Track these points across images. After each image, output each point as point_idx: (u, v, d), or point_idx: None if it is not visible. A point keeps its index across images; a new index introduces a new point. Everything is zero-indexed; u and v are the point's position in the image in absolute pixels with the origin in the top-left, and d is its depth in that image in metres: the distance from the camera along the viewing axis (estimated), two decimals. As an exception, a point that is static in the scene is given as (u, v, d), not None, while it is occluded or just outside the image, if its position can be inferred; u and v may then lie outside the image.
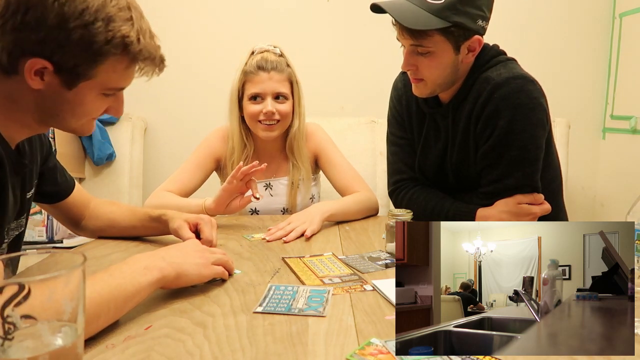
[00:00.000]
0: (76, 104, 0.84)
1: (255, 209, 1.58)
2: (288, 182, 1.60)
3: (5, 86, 0.82)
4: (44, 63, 0.77)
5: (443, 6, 1.11)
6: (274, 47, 1.53)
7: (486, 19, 1.18)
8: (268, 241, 1.22)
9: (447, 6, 1.11)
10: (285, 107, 1.51)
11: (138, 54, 0.83)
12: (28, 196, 1.00)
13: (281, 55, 1.53)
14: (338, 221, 1.42)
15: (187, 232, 1.08)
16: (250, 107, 1.49)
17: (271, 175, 1.61)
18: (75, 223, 1.21)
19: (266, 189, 1.59)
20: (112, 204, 1.25)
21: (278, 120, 1.50)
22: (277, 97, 1.50)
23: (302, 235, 1.26)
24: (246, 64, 1.50)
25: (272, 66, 1.48)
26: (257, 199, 1.32)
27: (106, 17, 0.78)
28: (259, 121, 1.50)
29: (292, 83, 1.53)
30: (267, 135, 1.52)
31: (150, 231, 1.20)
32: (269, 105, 1.48)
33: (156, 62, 0.87)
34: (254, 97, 1.49)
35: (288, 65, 1.53)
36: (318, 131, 1.64)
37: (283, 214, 1.60)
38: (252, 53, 1.53)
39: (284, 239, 1.23)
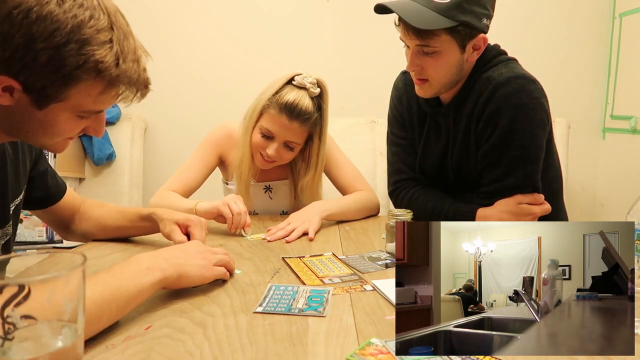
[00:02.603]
0: (47, 124, 0.78)
1: (254, 211, 1.58)
2: (289, 185, 1.57)
3: None
4: (10, 82, 0.72)
5: (449, 5, 1.11)
6: (317, 84, 1.39)
7: (490, 17, 1.18)
8: (269, 241, 1.22)
9: (453, 5, 1.11)
10: (290, 155, 1.44)
11: (115, 79, 0.76)
12: (12, 206, 0.97)
13: (319, 95, 1.40)
14: (338, 221, 1.42)
15: (179, 236, 1.07)
16: (257, 139, 1.41)
17: (271, 178, 1.58)
18: (65, 227, 1.19)
19: (265, 191, 1.58)
20: (100, 205, 1.22)
21: (275, 160, 1.45)
22: (287, 143, 1.41)
23: (304, 235, 1.25)
24: (278, 92, 1.37)
25: (299, 114, 1.35)
26: (243, 233, 1.28)
27: (80, 40, 0.71)
28: (260, 152, 1.44)
29: (312, 134, 1.44)
30: (261, 166, 1.47)
31: (141, 231, 1.19)
32: (274, 150, 1.39)
33: (138, 86, 0.80)
34: (265, 133, 1.40)
35: (320, 109, 1.41)
36: None
37: (282, 214, 1.59)
38: (290, 81, 1.39)
39: (286, 239, 1.23)
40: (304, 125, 1.38)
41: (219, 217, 1.27)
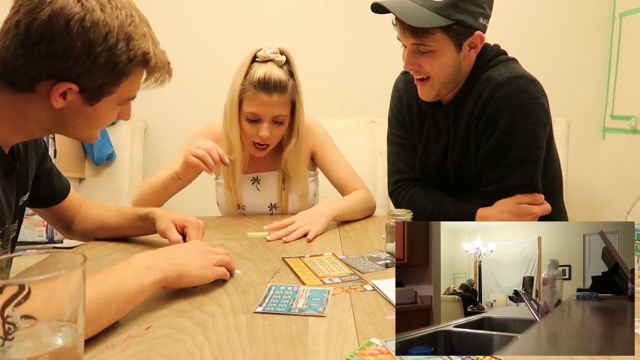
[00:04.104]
0: (95, 117, 0.87)
1: (242, 205, 1.55)
2: (278, 176, 1.55)
3: (15, 99, 0.82)
4: (70, 86, 0.79)
5: (445, 4, 1.11)
6: (280, 53, 1.40)
7: (487, 17, 1.18)
8: (269, 241, 1.22)
9: (448, 4, 1.11)
10: (282, 130, 1.44)
11: (155, 65, 0.87)
12: (22, 201, 0.99)
13: (286, 62, 1.40)
14: (341, 221, 1.42)
15: (174, 234, 1.06)
16: (246, 127, 1.42)
17: (260, 169, 1.55)
18: (67, 226, 1.20)
19: (253, 183, 1.55)
20: (100, 205, 1.23)
21: (270, 142, 1.45)
22: (274, 119, 1.41)
23: (304, 236, 1.25)
24: (247, 73, 1.38)
25: (275, 86, 1.36)
26: (226, 163, 1.30)
27: (126, 37, 0.81)
28: (253, 141, 1.44)
29: (293, 102, 1.43)
30: (257, 154, 1.47)
31: (138, 230, 1.19)
32: (265, 129, 1.40)
33: (166, 68, 0.91)
34: (251, 117, 1.40)
35: (292, 76, 1.40)
36: (316, 127, 1.57)
37: (270, 210, 1.57)
38: (255, 59, 1.39)
39: (284, 238, 1.23)
40: (283, 95, 1.38)
41: (197, 168, 1.29)
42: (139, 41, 0.82)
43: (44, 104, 0.81)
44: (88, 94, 0.82)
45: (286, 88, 1.38)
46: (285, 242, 1.21)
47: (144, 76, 0.88)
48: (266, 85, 1.36)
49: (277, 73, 1.37)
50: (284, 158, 1.50)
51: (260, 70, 1.36)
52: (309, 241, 1.23)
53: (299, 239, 1.24)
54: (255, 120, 1.41)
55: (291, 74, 1.41)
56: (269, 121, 1.40)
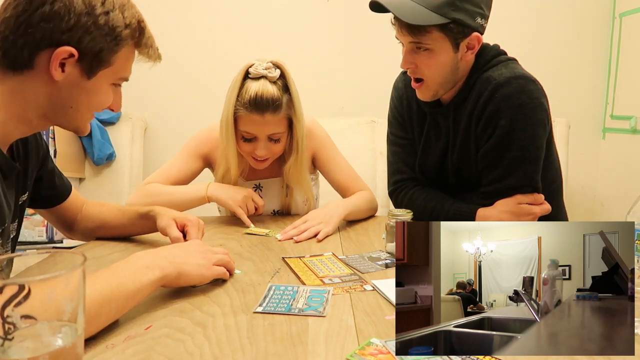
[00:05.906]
0: (93, 93, 0.87)
1: None
2: (281, 183, 1.53)
3: (11, 82, 0.82)
4: (70, 50, 0.80)
5: (442, 3, 1.12)
6: (274, 67, 1.33)
7: (485, 17, 1.18)
8: (280, 240, 1.22)
9: (445, 3, 1.12)
10: (279, 147, 1.40)
11: (147, 40, 0.91)
12: (21, 201, 0.99)
13: (281, 76, 1.34)
14: (348, 220, 1.42)
15: (174, 231, 1.06)
16: (242, 145, 1.39)
17: (263, 176, 1.53)
18: (69, 226, 1.20)
19: (255, 190, 1.53)
20: (101, 205, 1.23)
21: (268, 157, 1.42)
22: (270, 137, 1.37)
23: (315, 236, 1.24)
24: (239, 92, 1.32)
25: (267, 105, 1.29)
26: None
27: (121, 6, 0.86)
28: (251, 155, 1.41)
29: (290, 119, 1.38)
30: (257, 167, 1.44)
31: (139, 229, 1.19)
32: (262, 148, 1.36)
33: (155, 48, 0.94)
34: (246, 136, 1.37)
35: (287, 90, 1.34)
36: (316, 129, 1.53)
37: (274, 215, 1.56)
38: (247, 75, 1.33)
39: (295, 238, 1.22)
40: (276, 114, 1.32)
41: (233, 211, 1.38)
42: (132, 11, 0.88)
43: (43, 81, 0.82)
44: (86, 63, 0.83)
45: (280, 106, 1.32)
46: (296, 242, 1.21)
47: (137, 53, 0.92)
48: (258, 105, 1.30)
49: (269, 91, 1.30)
50: (285, 171, 1.47)
51: (251, 89, 1.30)
52: (319, 241, 1.22)
53: (310, 238, 1.24)
54: (250, 139, 1.37)
55: (286, 88, 1.34)
56: (264, 139, 1.36)
